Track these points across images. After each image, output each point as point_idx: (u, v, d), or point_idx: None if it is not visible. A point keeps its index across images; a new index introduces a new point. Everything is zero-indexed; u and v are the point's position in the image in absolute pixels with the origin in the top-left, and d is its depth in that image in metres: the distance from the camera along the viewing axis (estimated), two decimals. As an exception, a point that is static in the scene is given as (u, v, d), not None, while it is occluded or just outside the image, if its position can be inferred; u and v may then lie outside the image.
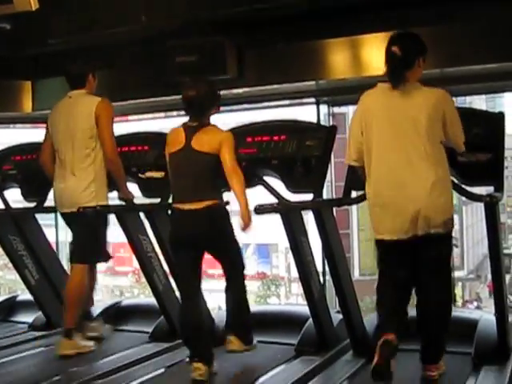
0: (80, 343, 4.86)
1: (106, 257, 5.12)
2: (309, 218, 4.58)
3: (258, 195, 4.60)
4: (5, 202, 5.70)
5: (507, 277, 4.80)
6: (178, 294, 5.14)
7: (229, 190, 4.26)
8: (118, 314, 5.77)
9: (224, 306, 4.56)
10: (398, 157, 3.68)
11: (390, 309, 3.87)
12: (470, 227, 20.73)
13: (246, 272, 4.53)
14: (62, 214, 5.01)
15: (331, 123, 5.94)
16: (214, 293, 5.95)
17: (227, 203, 4.33)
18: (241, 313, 4.50)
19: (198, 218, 4.15)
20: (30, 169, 5.45)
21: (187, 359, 4.32)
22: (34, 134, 6.10)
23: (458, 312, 4.65)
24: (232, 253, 4.44)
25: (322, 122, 5.90)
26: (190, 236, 4.20)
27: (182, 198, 4.19)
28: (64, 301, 4.95)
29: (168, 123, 7.20)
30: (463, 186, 4.06)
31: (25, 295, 6.39)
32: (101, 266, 5.40)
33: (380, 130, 3.73)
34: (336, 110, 6.10)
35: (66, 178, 4.79)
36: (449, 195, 3.73)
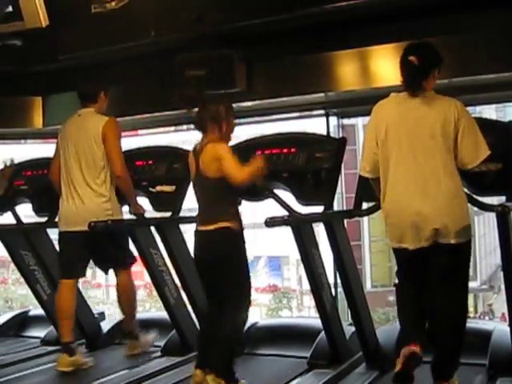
0: (79, 359, 4.90)
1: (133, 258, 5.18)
2: (320, 229, 4.57)
3: (268, 208, 4.59)
4: (16, 217, 5.71)
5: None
6: (189, 307, 5.15)
7: (254, 200, 4.35)
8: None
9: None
10: (416, 167, 3.66)
11: (413, 319, 3.84)
12: (482, 237, 20.63)
13: (245, 315, 4.22)
14: (67, 233, 4.92)
15: (341, 135, 5.93)
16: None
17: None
18: (223, 353, 4.12)
19: (206, 240, 4.16)
20: (41, 184, 5.46)
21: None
22: (45, 150, 6.12)
23: (471, 323, 4.61)
24: (235, 281, 4.15)
25: (332, 134, 5.89)
26: (200, 256, 4.22)
27: (199, 221, 4.21)
28: (59, 314, 4.98)
29: (178, 137, 7.25)
30: (474, 195, 4.05)
31: (37, 310, 6.40)
32: (113, 281, 5.40)
33: (397, 140, 3.71)
34: (346, 121, 6.10)
35: (78, 197, 4.81)
36: (466, 204, 3.74)
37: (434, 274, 3.75)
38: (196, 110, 4.19)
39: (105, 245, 4.89)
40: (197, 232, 4.21)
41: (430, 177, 3.63)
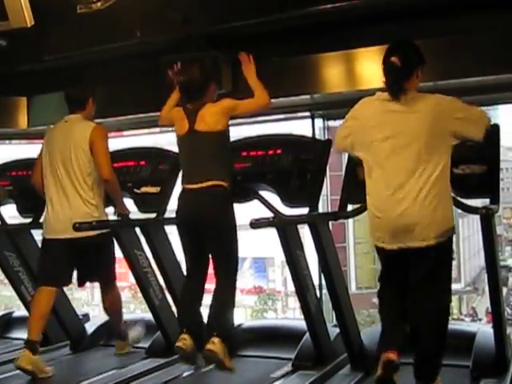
0: (40, 363, 4.81)
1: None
2: (305, 231, 4.58)
3: (253, 210, 4.59)
4: (0, 217, 5.69)
5: (504, 289, 4.79)
6: (174, 309, 5.14)
7: (239, 201, 4.40)
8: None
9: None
10: (396, 168, 3.66)
11: (391, 320, 3.86)
12: (466, 239, 20.74)
13: (237, 277, 4.36)
14: (53, 240, 4.83)
15: (326, 137, 5.95)
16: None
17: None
18: (224, 318, 4.26)
19: (200, 196, 4.18)
20: (26, 185, 5.43)
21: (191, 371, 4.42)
22: (30, 150, 6.09)
23: (455, 325, 4.64)
24: (225, 242, 4.25)
25: (317, 136, 5.91)
26: (190, 215, 4.21)
27: (190, 179, 4.22)
28: (33, 315, 4.92)
29: (163, 138, 7.23)
30: (459, 198, 4.06)
31: (21, 311, 6.36)
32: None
33: (379, 141, 3.72)
34: (331, 123, 6.11)
35: (65, 204, 4.75)
36: (446, 206, 3.71)
37: (414, 274, 3.75)
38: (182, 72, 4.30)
39: (90, 255, 4.80)
40: (186, 191, 4.21)
41: (406, 178, 3.63)
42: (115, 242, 4.95)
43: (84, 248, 4.73)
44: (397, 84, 3.65)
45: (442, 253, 3.72)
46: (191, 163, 4.26)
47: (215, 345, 4.08)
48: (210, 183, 4.14)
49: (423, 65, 3.75)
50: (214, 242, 4.27)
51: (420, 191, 3.59)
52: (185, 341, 4.15)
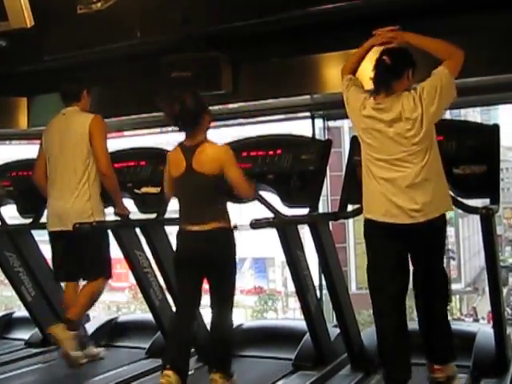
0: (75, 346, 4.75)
1: (109, 273, 5.08)
2: (305, 231, 4.58)
3: (253, 210, 4.59)
4: (1, 218, 5.69)
5: (504, 289, 4.79)
6: (174, 309, 5.14)
7: (235, 201, 4.36)
8: (114, 330, 5.74)
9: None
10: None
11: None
12: (466, 239, 20.74)
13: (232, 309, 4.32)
14: (53, 233, 4.92)
15: (326, 137, 5.94)
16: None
17: (235, 227, 4.25)
18: (224, 348, 4.26)
19: (200, 240, 4.11)
20: (26, 185, 5.43)
21: (191, 371, 4.31)
22: (30, 150, 6.09)
23: (455, 325, 4.64)
24: (224, 283, 4.23)
25: (318, 136, 5.90)
26: (191, 257, 4.15)
27: (188, 220, 4.16)
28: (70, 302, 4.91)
29: (163, 138, 7.23)
30: (459, 198, 4.06)
31: (21, 312, 6.37)
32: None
33: (364, 138, 3.78)
34: (331, 123, 6.11)
35: (62, 197, 4.78)
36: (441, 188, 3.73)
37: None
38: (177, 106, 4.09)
39: (81, 246, 4.81)
40: (187, 232, 4.15)
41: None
42: (115, 242, 4.96)
43: (74, 238, 4.76)
44: (384, 80, 3.68)
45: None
46: (189, 204, 4.18)
47: (218, 381, 4.12)
48: (211, 225, 4.07)
49: (414, 68, 3.76)
50: (215, 279, 4.21)
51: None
52: (168, 378, 3.99)
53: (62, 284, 5.25)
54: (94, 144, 4.71)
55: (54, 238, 4.94)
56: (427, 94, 3.61)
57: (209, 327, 4.32)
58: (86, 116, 4.81)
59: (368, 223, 3.82)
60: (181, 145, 4.18)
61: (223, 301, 4.24)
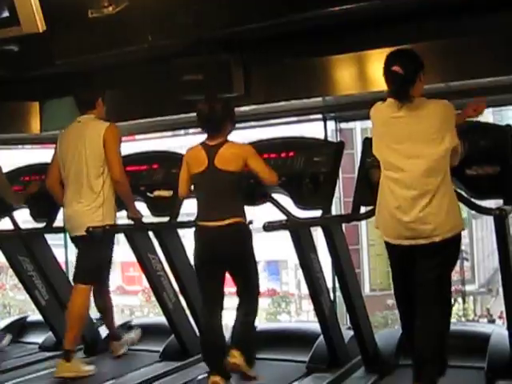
0: (79, 367, 4.88)
1: (107, 277, 5.18)
2: (318, 234, 4.57)
3: (266, 212, 4.59)
4: (14, 222, 5.71)
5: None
6: (188, 312, 5.15)
7: (252, 204, 4.48)
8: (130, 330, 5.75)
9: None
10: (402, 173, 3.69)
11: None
12: (480, 240, 20.64)
13: (259, 298, 4.52)
14: (73, 238, 5.04)
15: (339, 139, 5.93)
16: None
17: (250, 222, 4.37)
18: (246, 334, 4.44)
19: (220, 236, 4.24)
20: (39, 189, 5.46)
21: (205, 374, 4.40)
22: (43, 155, 6.11)
23: (469, 326, 4.62)
24: (249, 274, 4.43)
25: (330, 138, 5.89)
26: (213, 253, 4.27)
27: (207, 217, 4.28)
28: (66, 321, 4.95)
29: (175, 142, 7.24)
30: (472, 199, 4.04)
31: (35, 316, 6.39)
32: (111, 286, 5.39)
33: (388, 147, 3.74)
34: (343, 125, 6.10)
35: (76, 203, 4.82)
36: (453, 205, 3.72)
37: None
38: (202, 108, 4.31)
39: (91, 253, 4.85)
40: (206, 228, 4.26)
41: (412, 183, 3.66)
42: (128, 246, 4.97)
43: (84, 242, 4.83)
44: (403, 91, 3.67)
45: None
46: (209, 200, 4.32)
47: (236, 357, 4.28)
48: (229, 221, 4.22)
49: (423, 69, 3.76)
50: (237, 276, 4.43)
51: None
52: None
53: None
54: (107, 152, 4.75)
55: (75, 242, 5.04)
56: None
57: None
58: (101, 124, 4.85)
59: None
60: (202, 144, 4.34)
61: (246, 290, 4.41)
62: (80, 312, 4.89)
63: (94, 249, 4.81)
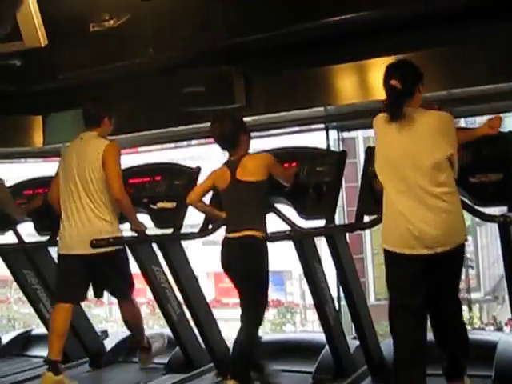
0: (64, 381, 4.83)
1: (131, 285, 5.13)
2: (322, 243, 4.57)
3: (270, 223, 4.59)
4: (18, 236, 5.71)
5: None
6: (192, 324, 5.14)
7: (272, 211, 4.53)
8: (132, 346, 5.73)
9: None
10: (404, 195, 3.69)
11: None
12: (484, 248, 20.59)
13: (261, 323, 4.49)
14: (68, 256, 4.88)
15: (341, 148, 5.94)
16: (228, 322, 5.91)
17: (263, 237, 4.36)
18: (242, 358, 4.37)
19: (234, 247, 4.33)
20: (43, 203, 5.46)
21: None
22: (46, 168, 6.12)
23: (476, 334, 4.60)
24: (255, 297, 4.39)
25: (332, 148, 5.90)
26: (228, 264, 4.38)
27: (230, 228, 4.39)
28: (51, 333, 4.93)
29: (178, 153, 7.25)
30: (476, 206, 4.04)
31: (39, 329, 6.38)
32: (115, 299, 5.38)
33: (387, 157, 3.76)
34: (345, 135, 6.11)
35: (79, 220, 4.78)
36: (459, 217, 3.72)
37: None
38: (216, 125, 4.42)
39: (105, 270, 4.84)
40: (226, 239, 4.38)
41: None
42: (132, 258, 4.96)
43: (97, 263, 4.76)
44: (398, 105, 3.67)
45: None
46: (231, 212, 4.42)
47: None
48: (244, 233, 4.28)
49: (422, 80, 3.76)
50: (244, 291, 4.44)
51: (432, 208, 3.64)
52: None
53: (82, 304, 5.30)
54: (106, 170, 4.72)
55: (68, 261, 4.90)
56: None
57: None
58: (102, 142, 4.81)
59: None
60: (226, 162, 4.46)
61: (249, 310, 4.39)
62: (134, 317, 5.08)
63: (119, 264, 4.85)
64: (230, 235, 4.34)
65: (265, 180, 4.33)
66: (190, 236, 4.95)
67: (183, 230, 4.99)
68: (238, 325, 4.41)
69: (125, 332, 5.55)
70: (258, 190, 4.32)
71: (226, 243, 4.39)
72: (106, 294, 5.21)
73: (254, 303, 4.40)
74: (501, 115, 4.07)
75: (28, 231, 5.82)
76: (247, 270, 4.32)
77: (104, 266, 4.78)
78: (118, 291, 5.02)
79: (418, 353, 3.73)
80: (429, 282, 3.73)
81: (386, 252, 3.79)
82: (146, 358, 5.31)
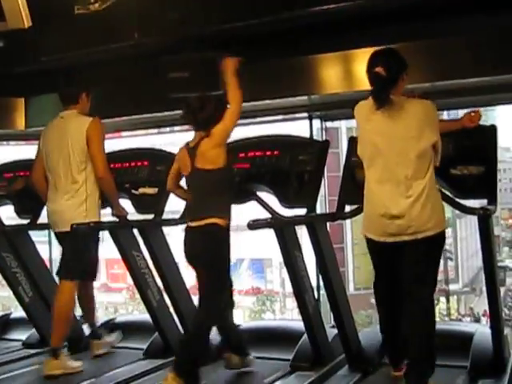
0: (67, 363, 4.86)
1: (93, 275, 5.13)
2: (303, 232, 4.58)
3: (251, 210, 4.59)
4: (-2, 218, 5.69)
5: (502, 290, 4.80)
6: (172, 310, 5.14)
7: (237, 202, 4.41)
8: (112, 331, 5.73)
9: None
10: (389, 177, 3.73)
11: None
12: (463, 240, 20.76)
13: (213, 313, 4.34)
14: (56, 234, 5.03)
15: (324, 138, 5.95)
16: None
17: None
18: (194, 346, 4.26)
19: (195, 235, 4.21)
20: (24, 186, 5.43)
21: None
22: (28, 151, 6.09)
23: (453, 325, 4.64)
24: (210, 279, 4.26)
25: (315, 137, 5.90)
26: (190, 252, 4.26)
27: (190, 216, 4.29)
28: (52, 319, 4.92)
29: (161, 139, 7.23)
30: (456, 199, 4.07)
31: (18, 312, 6.36)
32: (95, 283, 5.38)
33: (370, 144, 3.77)
34: (329, 124, 6.11)
35: (59, 199, 4.81)
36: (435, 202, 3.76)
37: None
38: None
39: (74, 249, 4.83)
40: (188, 228, 4.26)
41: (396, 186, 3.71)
42: (113, 243, 4.95)
43: (64, 240, 4.86)
44: (383, 93, 3.70)
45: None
46: (192, 200, 4.33)
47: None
48: (204, 222, 4.15)
49: (406, 68, 3.79)
50: (204, 274, 4.29)
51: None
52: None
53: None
54: (90, 147, 4.72)
55: (58, 238, 5.04)
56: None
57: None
58: (84, 119, 4.80)
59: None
60: (186, 145, 4.31)
61: (205, 298, 4.28)
62: (66, 309, 4.87)
63: (79, 245, 4.79)
64: (191, 224, 4.22)
65: (225, 165, 4.17)
66: (172, 222, 4.95)
67: (164, 216, 4.99)
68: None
69: (106, 316, 5.55)
70: (217, 177, 4.17)
71: (188, 232, 4.26)
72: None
73: (212, 292, 4.28)
74: (481, 109, 4.10)
75: (8, 214, 5.79)
76: (210, 260, 4.21)
77: (66, 243, 4.86)
78: (69, 269, 4.90)
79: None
80: (403, 269, 3.77)
81: (365, 238, 3.89)
82: (98, 345, 5.30)
